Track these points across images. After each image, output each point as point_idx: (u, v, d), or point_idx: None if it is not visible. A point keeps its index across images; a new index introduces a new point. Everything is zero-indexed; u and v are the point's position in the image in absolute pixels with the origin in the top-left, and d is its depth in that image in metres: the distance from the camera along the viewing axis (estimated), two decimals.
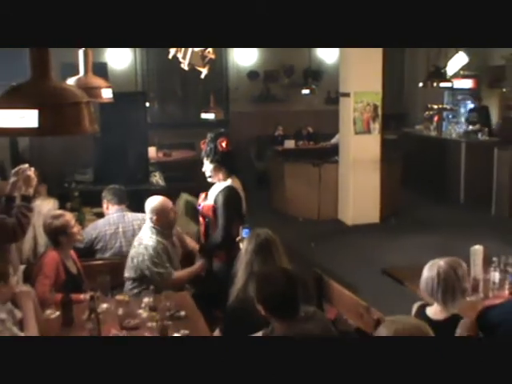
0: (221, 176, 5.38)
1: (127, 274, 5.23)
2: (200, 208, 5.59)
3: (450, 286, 3.72)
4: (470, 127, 12.96)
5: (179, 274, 5.29)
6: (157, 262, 5.14)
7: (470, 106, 14.04)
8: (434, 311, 3.80)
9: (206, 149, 5.36)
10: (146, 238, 5.25)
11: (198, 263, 5.47)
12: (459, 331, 3.64)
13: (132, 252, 5.29)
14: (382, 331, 2.59)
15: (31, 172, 4.52)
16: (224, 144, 5.27)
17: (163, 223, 5.29)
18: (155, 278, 5.09)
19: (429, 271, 3.80)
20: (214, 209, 5.33)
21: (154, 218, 5.26)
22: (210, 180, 5.47)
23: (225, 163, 5.35)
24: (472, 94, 13.85)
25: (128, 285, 5.21)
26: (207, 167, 5.40)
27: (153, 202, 5.34)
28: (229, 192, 5.30)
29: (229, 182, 5.37)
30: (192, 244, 5.79)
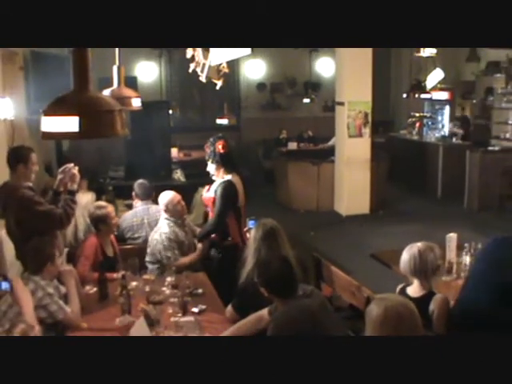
0: (221, 174, 5.33)
1: (147, 258, 5.27)
2: (203, 198, 5.61)
3: (424, 265, 3.79)
4: (455, 130, 12.92)
5: (182, 259, 5.24)
6: (167, 247, 5.19)
7: (445, 113, 14.02)
8: (413, 290, 3.85)
9: (207, 151, 5.35)
10: (162, 227, 5.33)
11: (197, 251, 5.40)
12: (432, 306, 3.70)
13: (150, 239, 5.36)
14: (374, 308, 2.59)
15: (75, 170, 4.57)
16: (221, 146, 5.22)
17: (173, 214, 5.36)
18: (164, 261, 5.16)
19: (407, 253, 3.86)
20: (214, 200, 5.31)
21: (165, 209, 5.35)
22: (213, 178, 5.43)
23: (223, 163, 5.29)
24: (457, 104, 13.71)
25: (149, 268, 5.22)
26: (210, 167, 5.36)
27: (163, 196, 5.42)
28: (226, 185, 5.24)
29: (229, 177, 5.31)
30: None
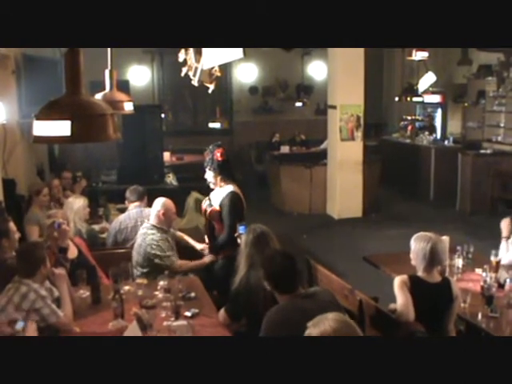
0: (218, 182, 5.30)
1: (137, 272, 5.12)
2: (205, 212, 5.50)
3: (439, 254, 3.95)
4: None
5: (187, 262, 5.25)
6: (164, 248, 5.13)
7: (437, 116, 14.23)
8: (431, 277, 3.94)
9: (206, 159, 5.34)
10: (151, 233, 5.21)
11: (206, 258, 5.37)
12: (456, 289, 3.94)
13: (137, 247, 5.24)
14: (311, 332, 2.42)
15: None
16: (219, 154, 5.21)
17: (165, 222, 5.27)
18: (165, 263, 5.08)
19: (423, 242, 3.94)
20: (220, 213, 5.25)
21: (162, 213, 5.23)
22: (211, 186, 5.41)
23: (220, 171, 5.26)
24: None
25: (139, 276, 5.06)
26: (208, 175, 5.33)
27: (162, 201, 5.31)
28: (234, 197, 5.21)
29: (231, 187, 5.28)
30: (191, 242, 5.72)
